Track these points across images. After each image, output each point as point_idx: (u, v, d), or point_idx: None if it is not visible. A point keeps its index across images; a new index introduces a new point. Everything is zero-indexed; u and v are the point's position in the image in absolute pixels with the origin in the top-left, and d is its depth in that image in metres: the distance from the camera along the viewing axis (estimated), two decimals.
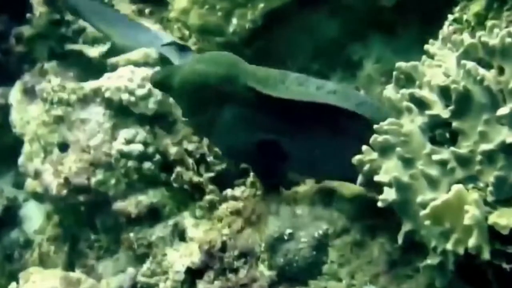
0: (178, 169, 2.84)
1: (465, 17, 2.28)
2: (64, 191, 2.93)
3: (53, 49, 3.35)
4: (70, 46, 3.32)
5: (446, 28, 2.29)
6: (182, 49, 2.84)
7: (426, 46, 2.06)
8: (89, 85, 3.02)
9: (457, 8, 2.36)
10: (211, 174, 2.84)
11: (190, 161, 2.85)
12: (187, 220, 2.81)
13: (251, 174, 2.72)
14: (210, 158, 2.86)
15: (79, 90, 3.04)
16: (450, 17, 2.34)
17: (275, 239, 2.32)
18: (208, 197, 2.77)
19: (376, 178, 1.93)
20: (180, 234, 2.81)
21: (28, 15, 3.38)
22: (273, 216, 2.39)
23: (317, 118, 2.25)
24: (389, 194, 1.89)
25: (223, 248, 2.45)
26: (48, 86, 3.12)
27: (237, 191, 2.74)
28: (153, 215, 2.87)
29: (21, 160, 3.23)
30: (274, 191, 2.52)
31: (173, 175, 2.84)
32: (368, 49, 3.17)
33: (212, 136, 2.56)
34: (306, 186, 2.56)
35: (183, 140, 2.92)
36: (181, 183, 2.83)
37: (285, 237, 2.30)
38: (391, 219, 2.03)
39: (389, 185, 1.89)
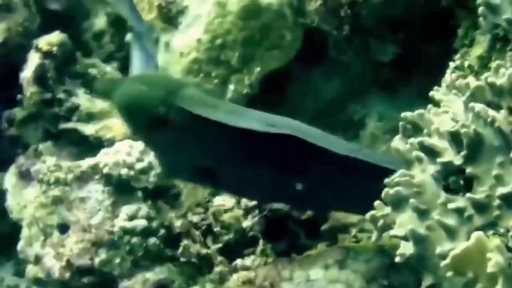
0: (185, 242, 2.75)
1: (466, 63, 2.24)
2: (67, 274, 2.83)
3: (46, 129, 3.29)
4: (64, 125, 3.26)
5: (449, 76, 2.23)
6: (144, 51, 2.84)
7: (431, 93, 2.01)
8: (87, 163, 2.96)
9: (457, 56, 2.32)
10: (219, 245, 2.75)
11: (197, 233, 2.77)
12: None
13: (261, 242, 2.67)
14: (217, 229, 2.78)
15: (76, 169, 2.97)
16: (452, 64, 2.29)
17: None
18: (217, 269, 2.67)
19: (392, 232, 1.85)
20: None
21: (18, 96, 3.33)
22: (286, 283, 2.30)
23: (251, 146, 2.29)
24: (406, 249, 1.81)
25: None
26: (44, 166, 3.05)
27: (247, 261, 2.65)
28: None
29: (20, 246, 3.14)
30: (286, 257, 2.46)
31: (180, 249, 2.75)
32: (368, 107, 3.13)
33: (154, 154, 2.65)
34: (318, 249, 2.50)
35: (188, 213, 2.84)
36: (189, 257, 2.74)
37: None
38: (409, 276, 1.96)
39: (405, 238, 1.81)
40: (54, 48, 3.24)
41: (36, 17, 3.54)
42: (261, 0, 3.03)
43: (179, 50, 3.12)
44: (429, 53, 2.89)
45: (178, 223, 2.81)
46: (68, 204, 2.95)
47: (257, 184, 2.41)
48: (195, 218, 2.83)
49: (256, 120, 2.28)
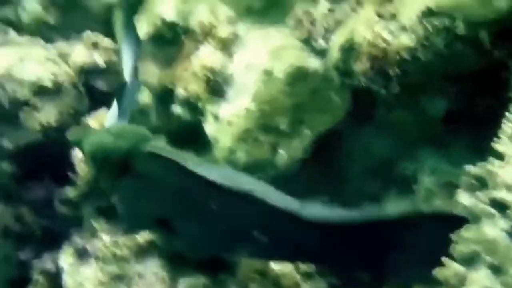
0: None
1: None
2: None
3: (98, 206, 3.28)
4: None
5: (507, 127, 2.20)
6: (122, 104, 2.89)
7: (493, 145, 1.98)
8: (142, 237, 2.95)
9: None
10: None
11: None
12: None
13: None
14: None
15: (133, 244, 2.96)
16: (509, 115, 2.26)
17: None
18: None
19: None
20: None
21: (70, 174, 3.33)
22: None
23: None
24: None
25: None
26: (100, 244, 3.04)
27: None
28: None
29: None
30: None
31: None
32: (420, 163, 3.10)
33: (117, 204, 2.83)
34: None
35: (247, 281, 2.81)
36: None
37: None
38: None
39: None
40: None
41: (85, 97, 3.57)
42: (308, 66, 3.03)
43: (227, 120, 3.12)
44: (480, 106, 2.87)
45: None
46: (127, 280, 2.94)
47: (212, 238, 2.55)
48: (254, 286, 2.80)
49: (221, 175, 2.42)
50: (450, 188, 2.83)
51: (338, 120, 3.03)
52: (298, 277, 2.76)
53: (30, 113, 3.39)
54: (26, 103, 3.41)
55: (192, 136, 3.34)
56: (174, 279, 2.81)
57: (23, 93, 3.43)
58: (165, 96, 3.64)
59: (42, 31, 4.28)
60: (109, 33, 3.85)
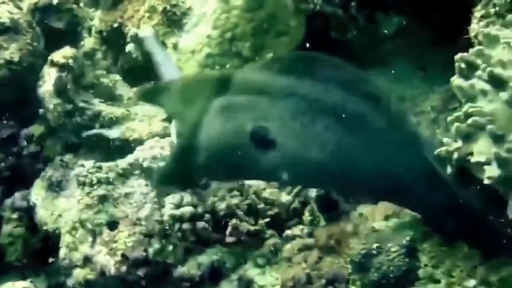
0: (233, 221, 2.84)
1: (492, 10, 2.37)
2: (124, 268, 2.88)
3: (68, 141, 3.31)
4: (88, 133, 3.30)
5: (476, 25, 2.39)
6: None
7: (486, 31, 2.13)
8: (125, 161, 3.03)
9: (478, 7, 2.44)
10: (267, 220, 2.85)
11: (241, 213, 2.86)
12: (251, 270, 2.80)
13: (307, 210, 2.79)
14: (260, 205, 2.87)
15: (116, 167, 3.03)
16: (477, 14, 2.42)
17: (363, 256, 2.35)
18: (270, 242, 2.78)
19: (473, 159, 2.00)
20: (247, 286, 2.80)
21: (41, 110, 3.34)
22: (352, 237, 2.44)
23: None
24: (492, 172, 1.96)
25: (309, 280, 2.47)
26: (83, 169, 3.08)
27: (296, 230, 2.77)
28: (216, 275, 2.84)
29: (62, 253, 3.12)
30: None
31: (228, 229, 2.84)
32: None
33: None
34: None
35: (226, 196, 2.92)
36: (238, 235, 2.83)
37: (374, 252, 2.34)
38: None
39: (488, 163, 1.97)
40: (70, 61, 3.28)
41: (41, 37, 3.57)
42: None
43: (190, 48, 3.24)
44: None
45: (222, 206, 2.89)
46: (114, 201, 3.01)
47: None
48: (235, 200, 2.91)
49: None
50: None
51: (297, 43, 3.19)
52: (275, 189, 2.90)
53: None
54: None
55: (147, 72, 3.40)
56: (160, 197, 2.90)
57: None
58: (113, 37, 3.72)
59: None
60: None
